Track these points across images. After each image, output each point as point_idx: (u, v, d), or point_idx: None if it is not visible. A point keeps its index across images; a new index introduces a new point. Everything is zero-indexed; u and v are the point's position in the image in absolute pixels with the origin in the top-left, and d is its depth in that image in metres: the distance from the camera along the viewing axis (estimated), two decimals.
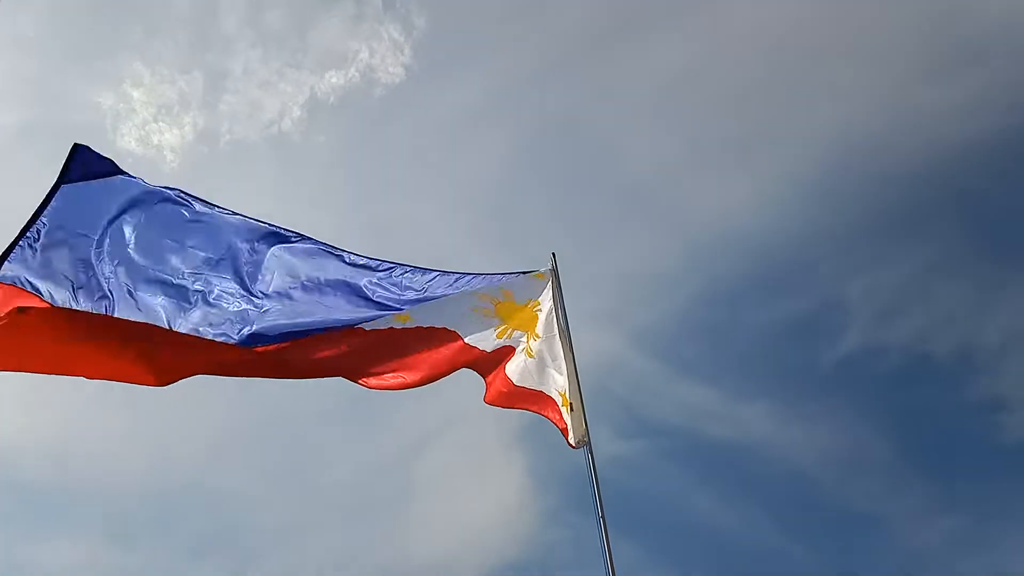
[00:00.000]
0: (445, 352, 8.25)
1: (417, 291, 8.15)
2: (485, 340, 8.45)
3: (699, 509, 21.65)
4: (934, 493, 20.87)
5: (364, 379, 7.98)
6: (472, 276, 8.49)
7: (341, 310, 7.77)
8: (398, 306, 7.97)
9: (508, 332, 8.56)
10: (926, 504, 20.76)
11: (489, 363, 8.46)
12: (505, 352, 8.49)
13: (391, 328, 7.96)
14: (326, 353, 7.66)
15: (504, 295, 8.60)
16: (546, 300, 8.62)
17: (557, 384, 8.28)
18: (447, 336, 8.28)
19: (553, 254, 8.90)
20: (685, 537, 21.16)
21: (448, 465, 22.77)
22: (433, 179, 24.46)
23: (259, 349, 7.21)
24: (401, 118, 24.47)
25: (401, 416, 21.14)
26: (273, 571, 21.51)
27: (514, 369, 8.46)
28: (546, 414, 8.37)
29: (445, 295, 8.22)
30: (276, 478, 23.59)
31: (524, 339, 8.54)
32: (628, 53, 24.14)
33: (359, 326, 7.77)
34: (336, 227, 24.17)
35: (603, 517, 7.56)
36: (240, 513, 22.63)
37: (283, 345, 7.32)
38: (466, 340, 8.35)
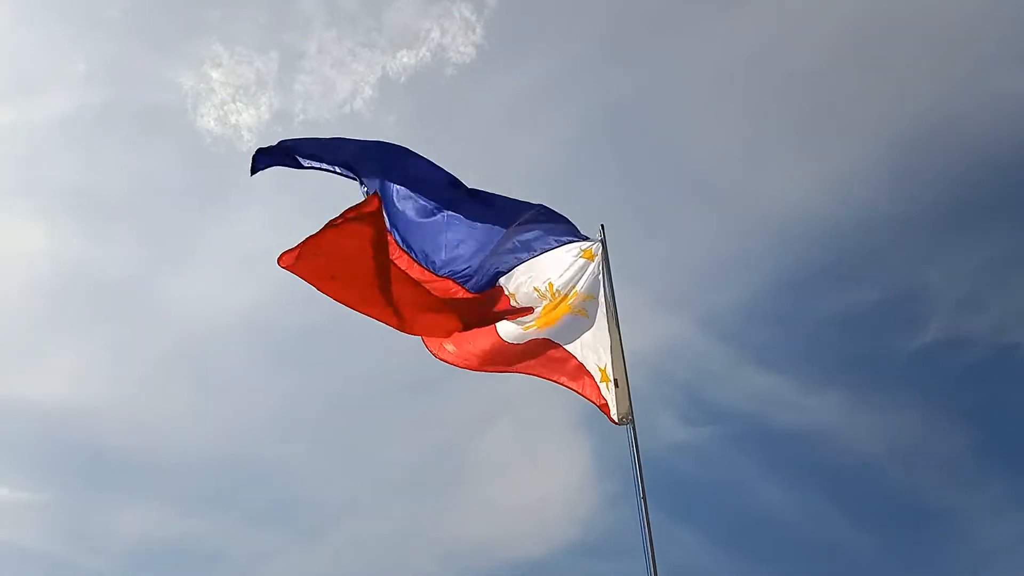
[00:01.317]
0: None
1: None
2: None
3: (764, 498, 21.18)
4: (1009, 489, 19.98)
5: None
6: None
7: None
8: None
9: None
10: (1000, 500, 19.94)
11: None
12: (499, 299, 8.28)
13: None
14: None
15: (551, 291, 8.44)
16: (575, 264, 8.40)
17: (598, 358, 8.07)
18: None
19: (602, 225, 8.67)
20: (749, 526, 20.75)
21: (512, 445, 22.77)
22: (501, 158, 24.35)
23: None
24: (471, 97, 24.44)
25: (464, 395, 21.19)
26: (335, 543, 21.88)
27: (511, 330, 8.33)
28: (558, 380, 8.22)
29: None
30: (339, 453, 23.97)
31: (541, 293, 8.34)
32: (697, 33, 23.59)
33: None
34: None
35: (644, 495, 7.38)
36: (303, 486, 23.08)
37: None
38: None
